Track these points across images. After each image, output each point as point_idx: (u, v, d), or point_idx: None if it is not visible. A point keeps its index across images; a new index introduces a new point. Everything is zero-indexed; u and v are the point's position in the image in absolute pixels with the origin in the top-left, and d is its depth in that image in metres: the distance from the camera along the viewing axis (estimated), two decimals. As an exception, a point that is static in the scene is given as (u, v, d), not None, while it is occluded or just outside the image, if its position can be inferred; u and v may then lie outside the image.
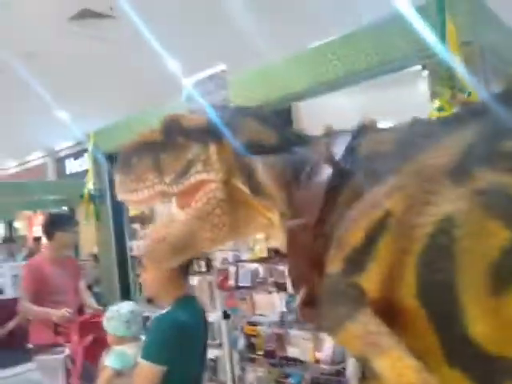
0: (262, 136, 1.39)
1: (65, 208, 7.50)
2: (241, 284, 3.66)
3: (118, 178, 1.53)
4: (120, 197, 1.56)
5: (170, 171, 1.44)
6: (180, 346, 1.95)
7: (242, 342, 3.69)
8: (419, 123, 1.23)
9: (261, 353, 3.55)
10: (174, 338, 1.95)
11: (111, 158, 4.58)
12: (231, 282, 3.70)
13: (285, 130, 1.45)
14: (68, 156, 12.00)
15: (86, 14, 5.64)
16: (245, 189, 1.36)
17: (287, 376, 3.44)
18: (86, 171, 4.81)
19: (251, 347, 3.63)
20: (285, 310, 3.44)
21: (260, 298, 3.60)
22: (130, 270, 4.69)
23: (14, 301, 4.47)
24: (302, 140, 1.41)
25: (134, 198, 1.51)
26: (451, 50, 2.23)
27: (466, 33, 2.34)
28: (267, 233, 1.50)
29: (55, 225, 3.84)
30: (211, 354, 3.63)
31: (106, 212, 4.62)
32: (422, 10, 2.39)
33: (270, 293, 3.54)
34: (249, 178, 1.35)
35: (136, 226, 4.86)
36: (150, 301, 2.28)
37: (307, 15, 5.16)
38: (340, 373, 3.17)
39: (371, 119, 1.31)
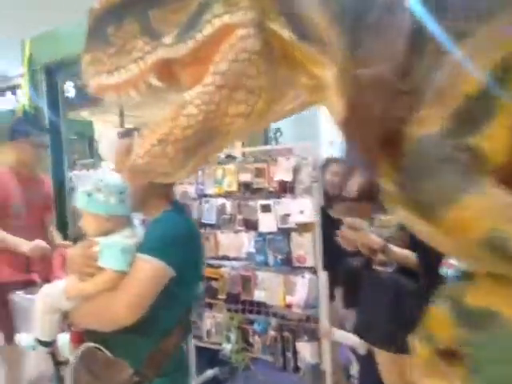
0: None
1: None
2: (204, 221, 3.26)
3: (87, 58, 1.02)
4: (93, 83, 1.03)
5: (171, 27, 0.96)
6: (189, 250, 1.55)
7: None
8: None
9: (222, 297, 3.21)
10: (182, 238, 1.53)
11: (49, 71, 3.95)
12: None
13: None
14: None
15: None
16: (286, 33, 0.92)
17: (251, 322, 3.13)
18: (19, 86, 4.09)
19: (210, 292, 3.27)
20: (253, 250, 3.10)
21: (225, 237, 3.22)
22: (67, 204, 4.12)
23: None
24: None
25: (116, 79, 0.99)
26: None
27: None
28: (316, 99, 1.03)
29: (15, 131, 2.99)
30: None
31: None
32: None
33: (236, 232, 3.18)
34: (292, 16, 0.92)
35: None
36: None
37: None
38: (310, 319, 2.92)
39: None
